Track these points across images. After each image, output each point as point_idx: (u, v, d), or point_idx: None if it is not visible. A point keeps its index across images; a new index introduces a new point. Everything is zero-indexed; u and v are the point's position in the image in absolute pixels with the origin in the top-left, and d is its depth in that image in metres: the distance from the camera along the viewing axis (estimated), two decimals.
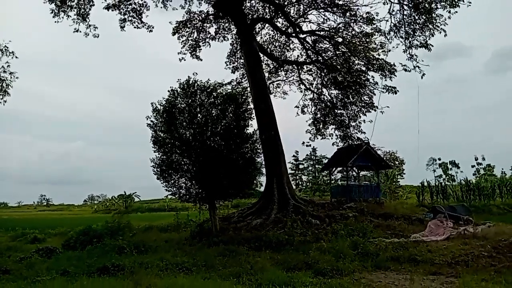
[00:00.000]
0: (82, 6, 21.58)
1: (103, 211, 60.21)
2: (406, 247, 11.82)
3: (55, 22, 20.53)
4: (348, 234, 13.90)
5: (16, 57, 21.06)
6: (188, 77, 17.12)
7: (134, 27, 23.35)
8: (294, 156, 63.19)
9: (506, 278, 8.33)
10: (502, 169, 53.71)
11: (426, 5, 16.74)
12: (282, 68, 26.36)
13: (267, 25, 24.76)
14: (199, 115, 17.30)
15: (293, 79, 26.31)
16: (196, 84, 17.26)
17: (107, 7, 22.26)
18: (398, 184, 43.83)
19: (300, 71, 25.27)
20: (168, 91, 16.94)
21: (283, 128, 21.91)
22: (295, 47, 25.55)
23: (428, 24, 17.20)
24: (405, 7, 17.55)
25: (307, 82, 24.78)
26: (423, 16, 17.13)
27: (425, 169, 66.53)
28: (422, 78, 18.99)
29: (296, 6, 22.27)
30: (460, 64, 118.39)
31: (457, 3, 16.33)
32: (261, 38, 26.38)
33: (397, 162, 77.80)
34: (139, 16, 23.21)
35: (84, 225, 17.84)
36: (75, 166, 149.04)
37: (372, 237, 13.63)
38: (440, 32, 17.48)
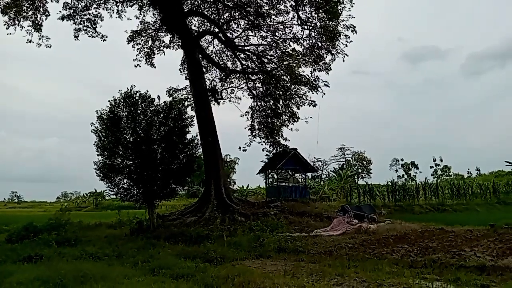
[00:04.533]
0: (37, 17, 23.00)
1: (74, 208, 60.90)
2: (297, 240, 13.99)
3: (8, 34, 21.75)
4: (261, 229, 16.01)
5: None
6: (127, 88, 18.86)
7: (89, 36, 24.91)
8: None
9: (346, 263, 10.51)
10: (468, 169, 58.49)
11: (332, 34, 19.22)
12: (233, 76, 28.38)
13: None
14: (143, 122, 19.17)
15: (246, 86, 28.45)
16: (137, 94, 19.08)
17: (62, 18, 23.73)
18: (352, 184, 46.28)
19: (248, 80, 27.38)
20: (109, 101, 18.64)
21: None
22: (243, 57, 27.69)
23: (331, 49, 19.72)
24: (313, 34, 20.01)
25: (253, 91, 26.92)
26: (327, 43, 19.61)
27: (388, 169, 70.38)
28: (322, 97, 22.62)
29: (237, 22, 24.30)
30: (436, 66, 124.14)
31: (338, 38, 19.17)
32: (214, 47, 28.39)
33: (364, 162, 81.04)
34: (94, 26, 24.78)
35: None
36: (50, 163, 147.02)
37: (280, 232, 15.81)
38: (343, 57, 20.13)
